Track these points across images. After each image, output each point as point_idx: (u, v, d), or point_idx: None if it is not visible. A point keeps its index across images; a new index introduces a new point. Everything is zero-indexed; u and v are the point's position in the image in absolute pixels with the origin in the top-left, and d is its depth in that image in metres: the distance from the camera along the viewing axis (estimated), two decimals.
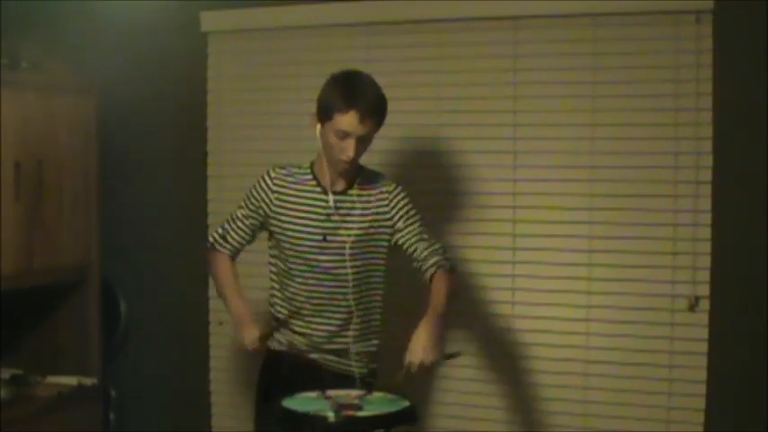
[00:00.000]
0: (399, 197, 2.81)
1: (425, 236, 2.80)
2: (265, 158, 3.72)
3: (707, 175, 3.22)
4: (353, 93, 2.64)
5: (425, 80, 3.53)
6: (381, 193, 2.80)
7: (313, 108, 2.73)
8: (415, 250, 2.78)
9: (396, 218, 2.79)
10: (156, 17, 3.87)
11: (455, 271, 2.80)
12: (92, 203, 3.68)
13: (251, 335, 2.67)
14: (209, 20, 3.81)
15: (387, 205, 2.79)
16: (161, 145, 3.94)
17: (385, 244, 2.81)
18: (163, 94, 3.90)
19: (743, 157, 3.18)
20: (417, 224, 2.81)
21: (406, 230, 2.79)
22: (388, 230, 2.80)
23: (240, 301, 2.79)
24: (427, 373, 2.54)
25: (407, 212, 2.80)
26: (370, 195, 2.79)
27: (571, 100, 3.37)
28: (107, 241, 3.78)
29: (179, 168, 3.94)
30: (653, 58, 3.27)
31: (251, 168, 3.74)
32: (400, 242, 2.80)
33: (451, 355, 2.71)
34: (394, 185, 2.82)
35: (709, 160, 3.21)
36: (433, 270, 2.75)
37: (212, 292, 3.86)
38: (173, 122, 3.92)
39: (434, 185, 3.52)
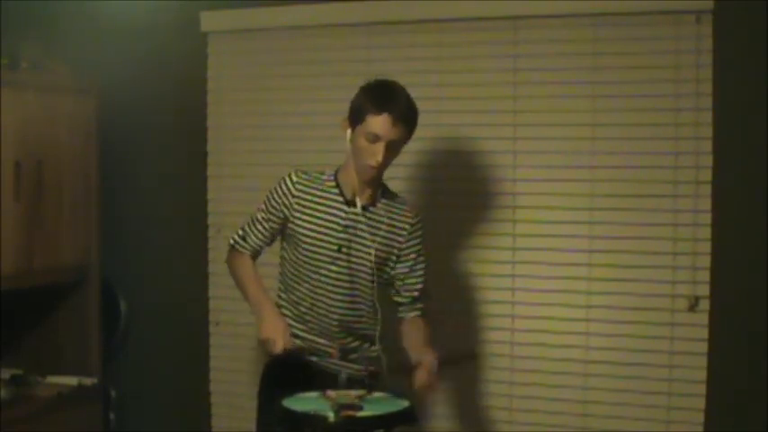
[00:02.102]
0: (419, 232, 2.86)
1: (424, 283, 2.88)
2: (265, 158, 3.74)
3: (707, 175, 3.22)
4: (387, 97, 2.67)
5: (426, 80, 3.53)
6: (405, 222, 2.83)
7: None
8: (407, 288, 2.86)
9: (407, 251, 2.84)
10: (156, 17, 3.87)
11: (428, 318, 2.92)
12: (92, 203, 3.67)
13: (279, 332, 2.66)
14: (209, 20, 3.81)
15: (406, 235, 2.83)
16: (161, 145, 3.94)
17: (392, 263, 2.84)
18: (163, 94, 3.90)
19: (743, 157, 3.18)
20: (422, 266, 2.87)
21: (411, 267, 2.85)
22: (396, 253, 2.83)
23: (265, 300, 2.77)
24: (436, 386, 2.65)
25: (419, 250, 2.86)
26: (394, 214, 2.82)
27: (571, 100, 3.37)
28: (107, 241, 3.78)
29: (179, 168, 3.94)
30: (653, 58, 3.27)
31: (251, 168, 3.76)
32: (399, 272, 2.85)
33: (465, 357, 2.74)
34: (418, 218, 2.87)
35: (709, 160, 3.21)
36: (417, 313, 2.87)
37: (212, 292, 3.87)
38: (173, 122, 3.92)
39: (434, 185, 3.52)
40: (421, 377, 2.61)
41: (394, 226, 2.81)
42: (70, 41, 3.95)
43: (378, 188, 2.80)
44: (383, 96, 2.67)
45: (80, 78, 3.66)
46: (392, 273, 2.85)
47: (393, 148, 2.70)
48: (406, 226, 2.83)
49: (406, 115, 2.68)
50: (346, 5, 3.58)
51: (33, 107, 3.40)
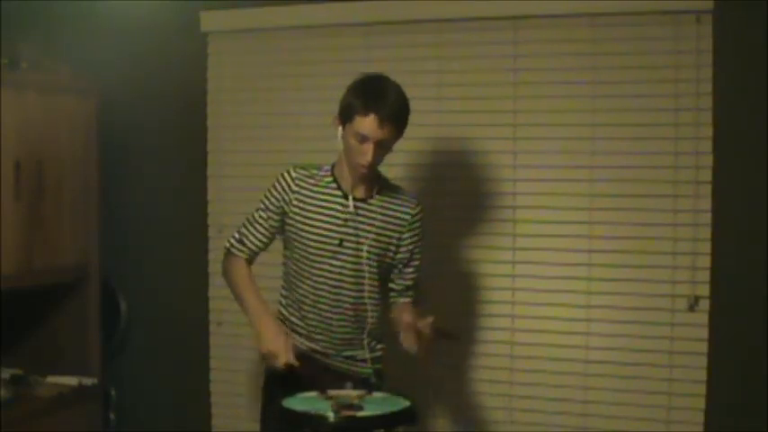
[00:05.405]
0: (419, 224, 2.84)
1: (418, 273, 2.89)
2: (265, 158, 3.74)
3: (707, 175, 3.22)
4: (375, 97, 2.63)
5: (425, 80, 3.53)
6: (404, 212, 2.82)
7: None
8: (402, 277, 2.87)
9: (406, 242, 2.83)
10: (156, 17, 3.87)
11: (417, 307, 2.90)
12: (92, 203, 3.67)
13: (280, 346, 2.62)
14: (209, 20, 3.81)
15: (405, 226, 2.82)
16: (161, 145, 3.94)
17: (392, 254, 2.83)
18: (163, 93, 3.90)
19: (743, 157, 3.18)
20: (418, 257, 2.88)
21: (407, 259, 2.85)
22: (395, 244, 2.82)
23: (265, 311, 2.74)
24: (428, 338, 2.58)
25: (417, 242, 2.85)
26: (391, 207, 2.80)
27: (571, 100, 3.37)
28: (107, 241, 3.78)
29: (179, 168, 3.94)
30: (653, 58, 3.27)
31: (251, 168, 3.76)
32: (397, 261, 2.85)
33: (450, 335, 2.71)
34: (419, 209, 2.85)
35: (709, 160, 3.21)
36: (407, 299, 2.88)
37: (212, 292, 3.87)
38: (173, 123, 3.92)
39: (434, 185, 3.52)
40: (407, 327, 2.61)
41: (392, 217, 2.80)
42: (70, 41, 3.95)
43: (374, 182, 2.79)
44: (371, 96, 2.63)
45: (80, 78, 3.66)
46: (391, 262, 2.84)
47: (383, 146, 2.68)
48: (407, 217, 2.82)
49: (394, 115, 2.64)
50: (346, 5, 3.58)
51: (33, 107, 3.40)
